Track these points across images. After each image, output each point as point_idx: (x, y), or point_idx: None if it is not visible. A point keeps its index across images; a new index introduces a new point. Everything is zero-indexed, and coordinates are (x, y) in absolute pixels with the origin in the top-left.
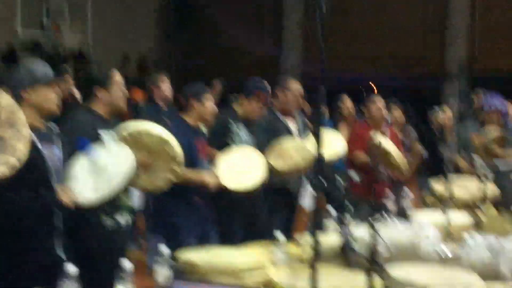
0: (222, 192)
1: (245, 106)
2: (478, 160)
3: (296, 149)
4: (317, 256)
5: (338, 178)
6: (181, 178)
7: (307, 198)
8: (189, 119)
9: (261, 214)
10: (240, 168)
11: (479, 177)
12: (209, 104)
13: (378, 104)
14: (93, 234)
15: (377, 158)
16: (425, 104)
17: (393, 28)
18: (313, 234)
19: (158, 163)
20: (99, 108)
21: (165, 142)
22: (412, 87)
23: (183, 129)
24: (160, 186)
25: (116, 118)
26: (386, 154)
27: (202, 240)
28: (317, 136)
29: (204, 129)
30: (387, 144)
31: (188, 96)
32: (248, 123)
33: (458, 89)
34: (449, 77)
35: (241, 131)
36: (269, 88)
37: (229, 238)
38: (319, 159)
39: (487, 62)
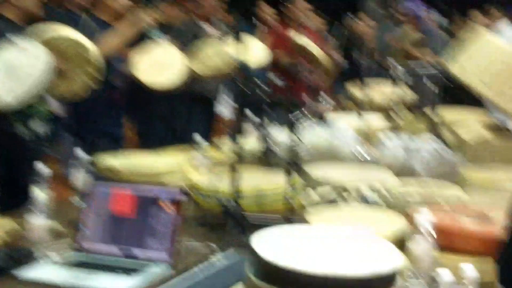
0: (140, 89)
1: (166, 11)
2: (394, 63)
3: (216, 53)
4: (238, 159)
5: (258, 82)
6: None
7: (225, 106)
8: (102, 14)
9: (180, 117)
10: (158, 64)
11: (394, 80)
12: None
13: (299, 4)
14: (6, 141)
15: (300, 58)
16: (340, 10)
17: None
18: (233, 137)
19: (74, 69)
20: (9, 12)
21: (80, 46)
22: None
23: (98, 26)
24: (78, 92)
25: (31, 24)
26: (308, 53)
27: (119, 140)
28: (238, 42)
29: None
30: (309, 43)
31: None
32: (166, 28)
33: None
34: None
35: (156, 31)
36: None
37: (147, 138)
38: (240, 65)
39: None
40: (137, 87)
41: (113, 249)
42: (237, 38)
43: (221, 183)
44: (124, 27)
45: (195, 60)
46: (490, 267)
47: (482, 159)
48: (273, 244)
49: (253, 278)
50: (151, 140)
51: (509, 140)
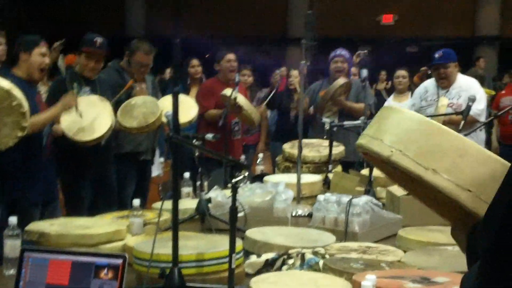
0: (69, 149)
1: (80, 63)
2: (325, 120)
3: (145, 106)
4: (176, 222)
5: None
6: (30, 131)
7: (157, 166)
8: (19, 72)
9: (111, 179)
10: (85, 119)
11: (327, 137)
12: (37, 57)
13: (228, 57)
14: None
15: (230, 111)
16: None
17: None
18: (170, 200)
19: (3, 119)
20: None
21: (10, 96)
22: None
23: (16, 83)
24: (6, 143)
25: None
26: (237, 106)
27: (49, 205)
28: (173, 101)
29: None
30: (239, 96)
31: (17, 47)
32: (89, 80)
33: (306, 51)
34: (295, 41)
35: (83, 89)
36: (101, 43)
37: (78, 202)
38: (173, 125)
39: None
40: (67, 147)
41: None
42: (168, 93)
43: (161, 249)
44: (54, 109)
45: (123, 113)
46: None
47: (414, 215)
48: None
49: None
50: (83, 202)
51: None
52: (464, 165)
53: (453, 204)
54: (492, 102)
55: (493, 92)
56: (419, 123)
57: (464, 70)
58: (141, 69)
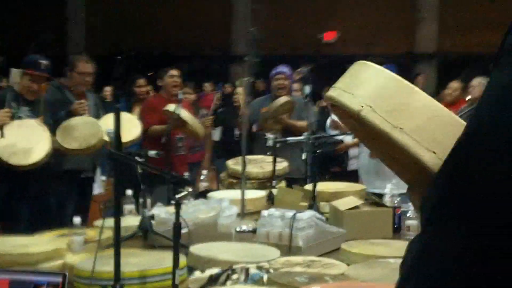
0: (6, 170)
1: (21, 83)
2: (269, 136)
3: (86, 127)
4: (118, 239)
5: (135, 159)
6: None
7: (98, 184)
8: None
9: (51, 196)
10: (21, 143)
11: (271, 153)
12: None
13: (172, 73)
14: None
15: (173, 126)
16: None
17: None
18: (112, 217)
19: None
20: None
21: None
22: (203, 67)
23: None
24: None
25: None
26: (181, 121)
27: None
28: (114, 118)
29: None
30: (182, 111)
31: None
32: (29, 101)
33: (249, 68)
34: (238, 57)
35: (21, 109)
36: (46, 65)
37: (14, 222)
38: (115, 142)
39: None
40: (4, 167)
41: None
42: (110, 111)
43: (103, 267)
44: None
45: (64, 134)
46: None
47: (357, 229)
48: None
49: None
50: (21, 222)
51: (383, 210)
52: (431, 127)
53: (414, 165)
54: None
55: None
56: (392, 81)
57: None
58: (85, 80)
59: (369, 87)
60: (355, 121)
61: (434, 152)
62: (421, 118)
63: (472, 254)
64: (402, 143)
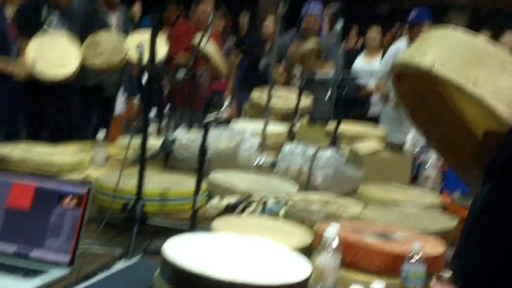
0: (33, 81)
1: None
2: (296, 70)
3: (111, 43)
4: (142, 158)
5: (161, 81)
6: None
7: (120, 103)
8: None
9: (76, 110)
10: (51, 56)
11: (295, 87)
12: None
13: (204, 8)
14: None
15: (198, 59)
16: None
17: None
18: (137, 135)
19: None
20: None
21: None
22: None
23: None
24: None
25: None
26: (207, 55)
27: (12, 133)
28: (152, 31)
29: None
30: (208, 45)
31: None
32: (63, 10)
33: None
34: None
35: (53, 16)
36: None
37: (40, 132)
38: (150, 57)
39: None
40: (32, 79)
41: (8, 247)
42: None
43: (124, 183)
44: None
45: (90, 49)
46: (396, 285)
47: (377, 174)
48: (186, 253)
49: (165, 285)
50: (46, 133)
51: (403, 157)
52: (503, 80)
53: (483, 124)
54: None
55: None
56: (463, 39)
57: None
58: None
59: (439, 47)
60: (422, 88)
61: (507, 106)
62: (493, 70)
63: None
64: (475, 95)
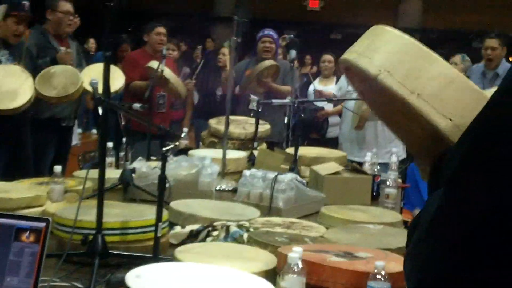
0: None
1: (4, 25)
2: (253, 97)
3: (66, 76)
4: (102, 187)
5: (126, 108)
6: None
7: (75, 136)
8: None
9: (29, 144)
10: (3, 89)
11: (254, 115)
12: None
13: (159, 30)
14: None
15: (156, 84)
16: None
17: None
18: (92, 168)
19: None
20: None
21: None
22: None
23: None
24: None
25: None
26: (164, 79)
27: None
28: (104, 66)
29: None
30: (165, 69)
31: None
32: (11, 44)
33: (237, 28)
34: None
35: (5, 51)
36: (28, 7)
37: None
38: (104, 91)
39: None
40: None
41: None
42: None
43: (83, 215)
44: None
45: (43, 81)
46: None
47: (338, 194)
48: (149, 284)
49: None
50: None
51: (363, 177)
52: (449, 93)
53: (428, 132)
54: None
55: None
56: (411, 46)
57: None
58: (67, 19)
59: (387, 52)
60: (369, 86)
61: (450, 119)
62: (439, 84)
63: (494, 214)
64: (419, 109)
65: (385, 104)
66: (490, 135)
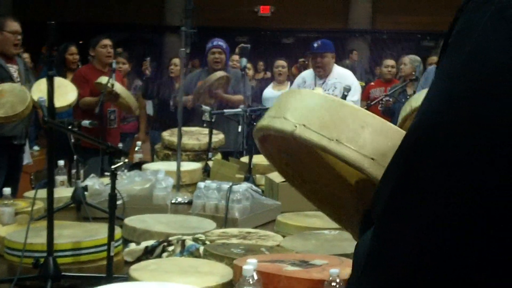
0: None
1: None
2: (205, 108)
3: (13, 94)
4: (51, 208)
5: (71, 128)
6: None
7: (27, 154)
8: None
9: None
10: None
11: (207, 125)
12: None
13: (104, 42)
14: None
15: (106, 99)
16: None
17: None
18: (43, 188)
19: None
20: None
21: None
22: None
23: None
24: None
25: None
26: (114, 94)
27: None
28: (48, 85)
29: None
30: (116, 84)
31: None
32: None
33: (185, 39)
34: (173, 28)
35: None
36: None
37: None
38: (49, 111)
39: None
40: None
41: None
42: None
43: (35, 239)
44: None
45: None
46: None
47: (292, 201)
48: None
49: None
50: None
51: None
52: (365, 135)
53: (352, 187)
54: (362, 94)
55: (363, 84)
56: (320, 99)
57: (337, 62)
58: (16, 39)
59: (299, 109)
60: (289, 148)
61: (372, 159)
62: (354, 128)
63: (422, 256)
64: (341, 154)
65: (308, 166)
66: (413, 164)
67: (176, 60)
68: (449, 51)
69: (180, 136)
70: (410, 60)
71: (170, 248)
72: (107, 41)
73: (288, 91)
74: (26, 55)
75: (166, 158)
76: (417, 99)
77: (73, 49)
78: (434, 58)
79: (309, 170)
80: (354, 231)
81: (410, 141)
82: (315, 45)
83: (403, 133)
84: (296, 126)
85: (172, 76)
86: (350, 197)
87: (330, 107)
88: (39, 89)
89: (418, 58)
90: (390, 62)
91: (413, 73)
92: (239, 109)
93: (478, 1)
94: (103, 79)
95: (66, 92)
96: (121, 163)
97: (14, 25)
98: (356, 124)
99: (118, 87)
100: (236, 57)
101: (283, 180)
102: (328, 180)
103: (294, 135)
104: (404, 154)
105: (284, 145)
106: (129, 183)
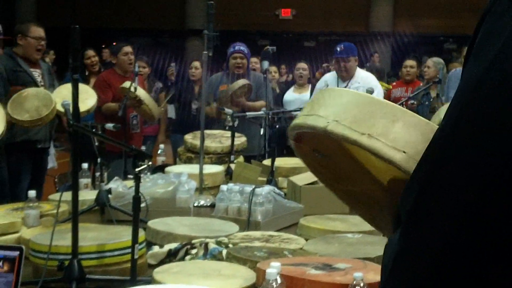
0: None
1: None
2: (227, 111)
3: (38, 98)
4: (75, 214)
5: (96, 132)
6: None
7: (51, 157)
8: None
9: (2, 169)
10: None
11: (228, 127)
12: None
13: (125, 50)
14: None
15: (129, 104)
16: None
17: None
18: (68, 191)
19: None
20: None
21: None
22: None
23: None
24: None
25: None
26: (138, 100)
27: None
28: (73, 89)
29: None
30: (139, 89)
31: None
32: None
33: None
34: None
35: None
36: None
37: None
38: (74, 114)
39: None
40: None
41: None
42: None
43: (60, 241)
44: None
45: (16, 105)
46: None
47: (315, 204)
48: None
49: None
50: None
51: None
52: (397, 129)
53: (384, 182)
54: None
55: (390, 86)
56: (352, 96)
57: (359, 65)
58: (39, 44)
59: (331, 106)
60: (321, 146)
61: (404, 152)
62: (385, 122)
63: (451, 254)
64: (372, 147)
65: (342, 166)
66: (444, 160)
67: (197, 64)
68: (473, 57)
69: (202, 139)
70: (433, 63)
71: (193, 251)
72: (128, 49)
73: (321, 90)
74: (49, 58)
75: (188, 161)
76: (445, 110)
77: (90, 52)
78: (456, 65)
79: (342, 169)
80: (388, 232)
81: (439, 140)
82: (338, 49)
83: (434, 127)
84: (328, 122)
85: (193, 79)
86: (383, 197)
87: (361, 103)
88: (60, 96)
89: (441, 60)
90: (410, 62)
91: (437, 75)
92: (261, 112)
93: (503, 5)
94: (128, 84)
95: (86, 98)
96: (145, 166)
97: (38, 31)
98: (387, 119)
99: (142, 93)
100: (254, 59)
101: (306, 183)
102: (361, 180)
103: (327, 130)
104: (433, 153)
105: (318, 144)
106: (152, 185)
